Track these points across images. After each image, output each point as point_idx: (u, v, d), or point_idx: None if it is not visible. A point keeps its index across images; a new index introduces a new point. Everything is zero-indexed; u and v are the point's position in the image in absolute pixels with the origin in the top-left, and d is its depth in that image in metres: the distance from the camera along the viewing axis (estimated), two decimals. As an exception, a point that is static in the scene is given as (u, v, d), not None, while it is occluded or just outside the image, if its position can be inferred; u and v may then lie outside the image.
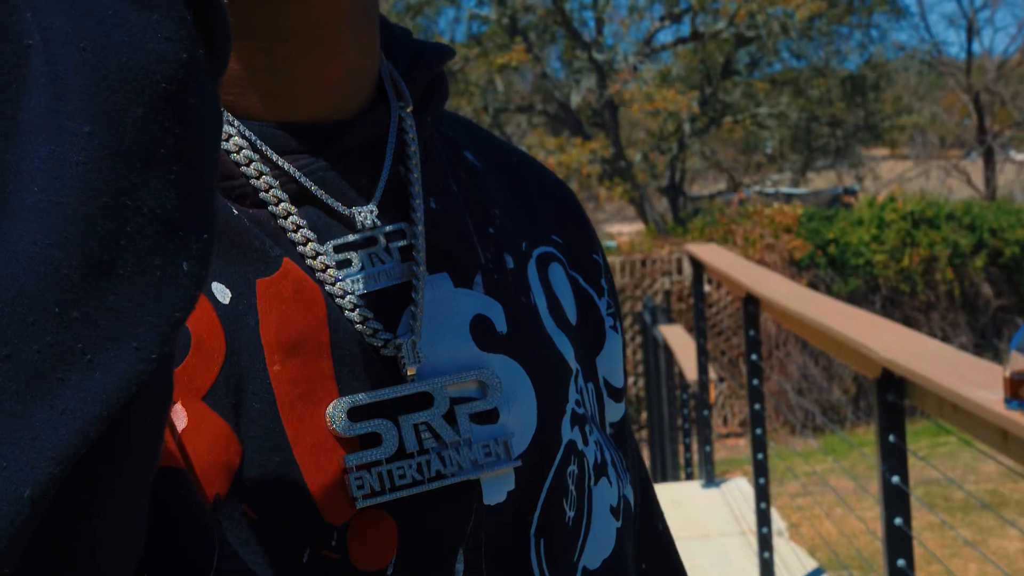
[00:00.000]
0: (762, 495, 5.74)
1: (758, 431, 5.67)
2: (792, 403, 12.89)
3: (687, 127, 20.23)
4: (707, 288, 11.33)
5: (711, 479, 7.75)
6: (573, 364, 0.85)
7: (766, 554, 5.70)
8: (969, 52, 25.09)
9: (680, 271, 14.66)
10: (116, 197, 0.43)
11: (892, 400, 3.26)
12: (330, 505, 0.70)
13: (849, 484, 9.23)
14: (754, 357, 5.66)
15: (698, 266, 7.57)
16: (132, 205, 0.44)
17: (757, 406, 5.65)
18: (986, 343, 14.19)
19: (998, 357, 13.64)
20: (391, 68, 0.82)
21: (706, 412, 7.63)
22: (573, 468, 0.81)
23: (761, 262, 13.07)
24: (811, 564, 6.39)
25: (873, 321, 3.89)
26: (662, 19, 20.98)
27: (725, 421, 13.98)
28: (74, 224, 0.42)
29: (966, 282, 14.29)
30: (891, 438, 3.27)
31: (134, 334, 0.44)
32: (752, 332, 5.64)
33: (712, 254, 7.31)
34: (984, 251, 14.30)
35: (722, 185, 24.33)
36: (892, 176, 25.49)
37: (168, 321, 0.45)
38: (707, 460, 7.76)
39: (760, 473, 5.72)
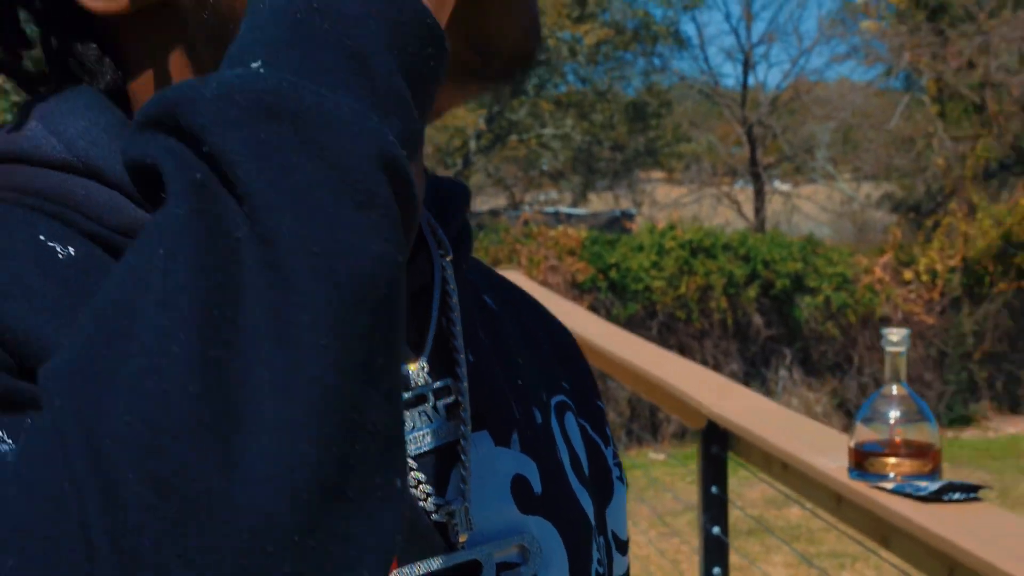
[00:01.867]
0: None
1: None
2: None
3: (473, 143, 20.36)
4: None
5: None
6: (592, 521, 0.83)
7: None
8: (744, 85, 25.91)
9: (464, 288, 14.71)
10: (348, 414, 0.40)
11: (716, 452, 3.30)
12: None
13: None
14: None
15: (496, 292, 7.58)
16: (359, 421, 0.40)
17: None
18: (755, 372, 14.66)
19: (766, 387, 14.13)
20: (428, 215, 0.78)
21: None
22: None
23: (545, 283, 13.20)
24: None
25: (696, 371, 3.94)
26: (453, 34, 21.07)
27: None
28: (312, 445, 0.39)
29: (739, 311, 14.74)
30: (713, 489, 3.32)
31: (364, 562, 0.40)
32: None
33: (517, 282, 7.34)
34: (757, 282, 14.77)
35: (502, 201, 24.54)
36: (668, 201, 26.14)
37: (390, 545, 0.42)
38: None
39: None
